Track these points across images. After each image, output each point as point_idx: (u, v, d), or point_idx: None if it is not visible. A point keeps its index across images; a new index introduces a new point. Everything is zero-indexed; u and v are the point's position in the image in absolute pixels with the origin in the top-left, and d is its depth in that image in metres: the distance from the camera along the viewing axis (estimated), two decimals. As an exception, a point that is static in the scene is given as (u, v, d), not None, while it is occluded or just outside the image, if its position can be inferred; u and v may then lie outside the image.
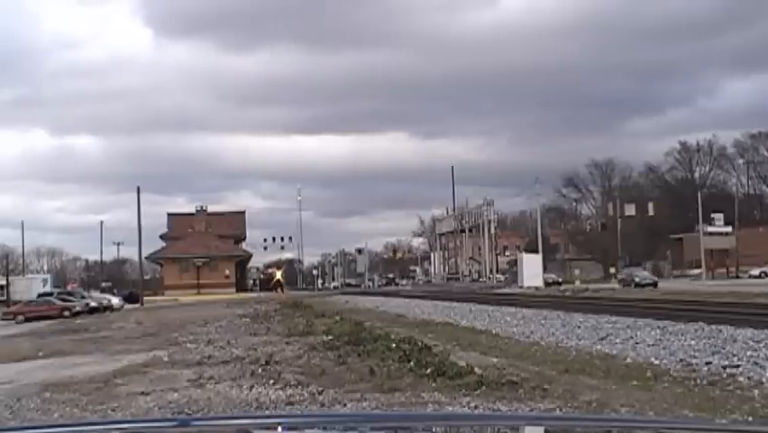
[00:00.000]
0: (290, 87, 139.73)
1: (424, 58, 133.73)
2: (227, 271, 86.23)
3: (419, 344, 14.94)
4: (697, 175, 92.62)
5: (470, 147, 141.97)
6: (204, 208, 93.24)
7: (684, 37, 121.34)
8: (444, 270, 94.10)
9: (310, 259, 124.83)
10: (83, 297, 52.37)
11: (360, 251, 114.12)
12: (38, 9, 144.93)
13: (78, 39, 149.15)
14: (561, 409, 8.51)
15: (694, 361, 12.00)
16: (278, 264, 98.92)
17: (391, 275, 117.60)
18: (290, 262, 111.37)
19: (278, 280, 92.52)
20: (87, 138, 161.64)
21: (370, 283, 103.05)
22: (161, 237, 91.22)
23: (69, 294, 53.19)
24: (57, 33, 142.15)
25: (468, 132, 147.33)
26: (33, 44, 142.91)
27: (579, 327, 18.46)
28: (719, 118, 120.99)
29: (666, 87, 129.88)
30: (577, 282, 68.05)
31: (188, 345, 18.76)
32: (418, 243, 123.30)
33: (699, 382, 10.35)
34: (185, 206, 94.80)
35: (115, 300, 53.90)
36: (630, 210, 79.98)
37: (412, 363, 12.30)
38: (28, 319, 40.85)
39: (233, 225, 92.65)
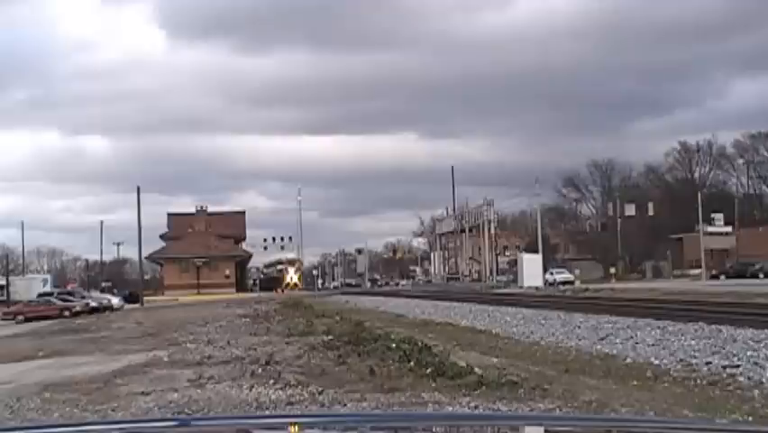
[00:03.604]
0: (301, 88, 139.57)
1: (435, 59, 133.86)
2: (227, 271, 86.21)
3: (419, 344, 14.93)
4: (697, 175, 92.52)
5: (479, 147, 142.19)
6: (204, 208, 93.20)
7: (693, 38, 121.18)
8: (444, 270, 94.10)
9: (312, 259, 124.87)
10: (83, 297, 52.40)
11: (359, 251, 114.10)
12: (55, 12, 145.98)
13: (94, 41, 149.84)
14: (561, 409, 8.51)
15: (694, 361, 12.00)
16: (290, 261, 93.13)
17: (378, 276, 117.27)
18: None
19: (293, 281, 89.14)
20: (98, 139, 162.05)
21: (370, 283, 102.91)
22: (161, 237, 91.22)
23: (69, 294, 53.21)
24: (72, 36, 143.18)
25: (477, 132, 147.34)
26: (49, 46, 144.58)
27: (579, 327, 18.46)
28: (728, 119, 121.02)
29: (675, 88, 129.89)
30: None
31: (188, 345, 18.75)
32: (418, 243, 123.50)
33: (699, 382, 10.35)
34: (190, 206, 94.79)
35: (115, 300, 53.90)
36: (630, 210, 79.91)
37: (412, 364, 12.30)
38: (28, 319, 40.87)
39: (233, 225, 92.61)
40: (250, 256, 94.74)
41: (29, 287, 61.52)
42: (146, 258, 77.86)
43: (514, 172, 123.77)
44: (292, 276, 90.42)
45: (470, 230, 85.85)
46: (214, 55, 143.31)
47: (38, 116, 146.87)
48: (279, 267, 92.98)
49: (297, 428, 2.55)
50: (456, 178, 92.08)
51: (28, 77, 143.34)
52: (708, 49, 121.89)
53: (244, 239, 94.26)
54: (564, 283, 60.98)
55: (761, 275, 57.80)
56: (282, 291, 78.35)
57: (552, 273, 66.47)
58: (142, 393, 10.96)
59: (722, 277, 60.55)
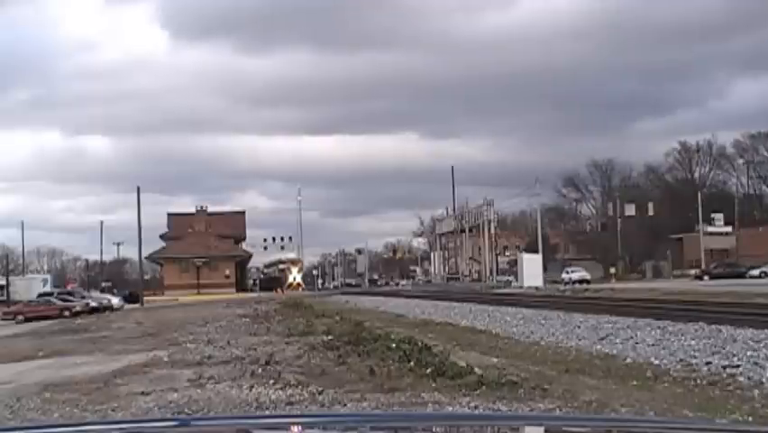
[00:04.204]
0: (303, 88, 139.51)
1: (437, 59, 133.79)
2: (227, 271, 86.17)
3: (419, 344, 14.95)
4: (697, 175, 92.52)
5: (480, 147, 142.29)
6: (204, 208, 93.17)
7: (695, 38, 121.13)
8: (444, 270, 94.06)
9: (312, 259, 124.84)
10: (83, 297, 52.38)
11: (359, 251, 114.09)
12: (57, 12, 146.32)
13: (96, 41, 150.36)
14: (561, 409, 8.52)
15: (694, 361, 12.00)
16: (293, 261, 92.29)
17: (377, 276, 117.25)
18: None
19: (296, 281, 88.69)
20: (99, 139, 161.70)
21: (369, 283, 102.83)
22: (161, 237, 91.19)
23: (69, 294, 53.18)
24: (75, 36, 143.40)
25: (478, 132, 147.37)
26: (51, 46, 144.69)
27: (579, 327, 18.46)
28: (729, 119, 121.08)
29: (676, 88, 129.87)
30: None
31: (188, 344, 18.76)
32: (418, 243, 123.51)
33: (699, 382, 10.35)
34: (191, 206, 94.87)
35: (115, 300, 53.87)
36: (630, 210, 79.97)
37: (412, 363, 12.31)
38: (28, 319, 40.87)
39: (233, 225, 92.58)
40: (250, 256, 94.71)
41: (29, 287, 61.50)
42: (146, 258, 77.86)
43: (515, 172, 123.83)
44: (295, 276, 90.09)
45: (471, 230, 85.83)
46: (217, 55, 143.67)
47: (40, 116, 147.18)
48: (282, 266, 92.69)
49: (297, 428, 2.55)
50: (457, 178, 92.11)
51: (30, 77, 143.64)
52: (709, 49, 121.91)
53: (244, 239, 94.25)
54: (581, 282, 59.49)
55: (747, 275, 58.56)
56: (282, 292, 78.13)
57: (567, 272, 65.03)
58: (142, 393, 10.96)
59: (706, 277, 60.79)
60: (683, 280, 59.47)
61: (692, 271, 67.96)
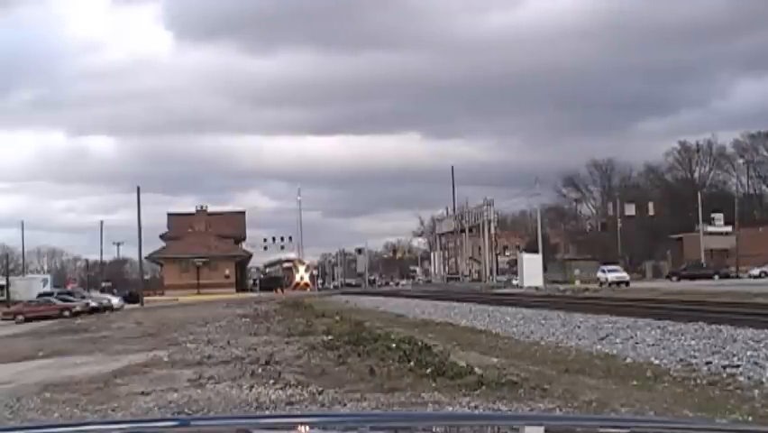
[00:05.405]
0: (306, 89, 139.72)
1: (441, 59, 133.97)
2: (227, 271, 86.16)
3: (419, 344, 14.95)
4: (697, 175, 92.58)
5: (482, 147, 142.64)
6: (204, 208, 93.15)
7: (699, 39, 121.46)
8: (444, 270, 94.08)
9: (312, 259, 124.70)
10: (83, 297, 52.38)
11: (359, 251, 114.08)
12: (62, 12, 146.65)
13: (101, 42, 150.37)
14: (561, 409, 8.52)
15: (694, 361, 12.00)
16: (300, 260, 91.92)
17: (377, 277, 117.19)
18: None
19: (304, 280, 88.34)
20: (103, 139, 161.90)
21: (368, 283, 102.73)
22: (161, 237, 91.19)
23: (69, 294, 53.18)
24: (79, 36, 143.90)
25: (481, 132, 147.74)
26: (56, 47, 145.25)
27: (579, 327, 18.46)
28: (732, 120, 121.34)
29: (680, 88, 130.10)
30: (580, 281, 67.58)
31: (188, 344, 18.76)
32: (418, 243, 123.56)
33: (699, 382, 10.35)
34: (193, 206, 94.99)
35: (115, 300, 53.86)
36: (630, 210, 79.99)
37: (412, 363, 12.31)
38: (28, 319, 40.88)
39: (233, 225, 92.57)
40: (250, 256, 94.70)
41: (29, 287, 61.51)
42: (146, 258, 77.85)
43: (516, 172, 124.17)
44: (302, 275, 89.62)
45: (470, 230, 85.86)
46: (220, 56, 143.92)
47: (43, 116, 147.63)
48: (286, 265, 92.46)
49: (297, 428, 2.55)
50: (458, 178, 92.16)
51: (34, 77, 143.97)
52: (713, 49, 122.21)
53: (244, 239, 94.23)
54: (619, 284, 54.36)
55: (716, 277, 59.89)
56: (282, 291, 77.94)
57: (603, 271, 60.39)
58: (142, 393, 10.96)
59: (674, 278, 61.56)
60: (683, 280, 59.48)
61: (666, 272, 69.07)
